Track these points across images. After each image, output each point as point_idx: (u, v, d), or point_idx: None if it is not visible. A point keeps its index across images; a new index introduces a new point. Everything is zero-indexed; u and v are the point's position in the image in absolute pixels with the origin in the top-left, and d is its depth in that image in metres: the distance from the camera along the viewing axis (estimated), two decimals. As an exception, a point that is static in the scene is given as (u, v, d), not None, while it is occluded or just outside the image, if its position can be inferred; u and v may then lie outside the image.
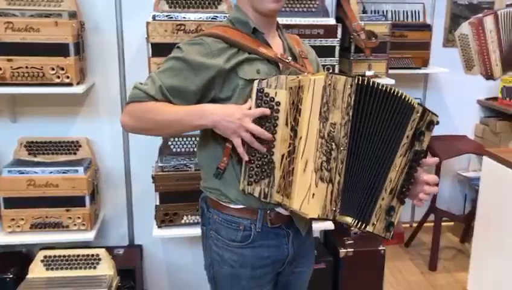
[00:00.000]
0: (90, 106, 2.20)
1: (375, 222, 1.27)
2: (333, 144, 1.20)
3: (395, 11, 3.16)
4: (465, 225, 3.37)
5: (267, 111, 1.26)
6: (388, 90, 1.22)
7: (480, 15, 3.16)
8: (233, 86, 1.31)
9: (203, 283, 2.41)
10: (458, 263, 3.20)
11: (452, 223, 3.64)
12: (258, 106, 1.28)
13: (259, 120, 1.27)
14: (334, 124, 1.19)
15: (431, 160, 1.35)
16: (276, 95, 1.27)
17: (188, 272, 2.44)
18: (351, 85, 1.19)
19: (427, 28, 3.10)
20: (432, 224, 3.24)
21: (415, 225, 3.55)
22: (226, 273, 1.40)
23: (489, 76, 3.28)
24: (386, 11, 3.13)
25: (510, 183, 2.05)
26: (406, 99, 1.24)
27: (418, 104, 1.27)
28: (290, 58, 1.38)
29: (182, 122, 1.29)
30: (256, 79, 1.29)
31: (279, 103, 1.26)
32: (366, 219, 1.26)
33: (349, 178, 1.23)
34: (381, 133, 1.24)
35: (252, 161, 1.30)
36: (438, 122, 1.30)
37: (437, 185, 1.35)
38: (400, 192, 1.29)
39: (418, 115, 1.26)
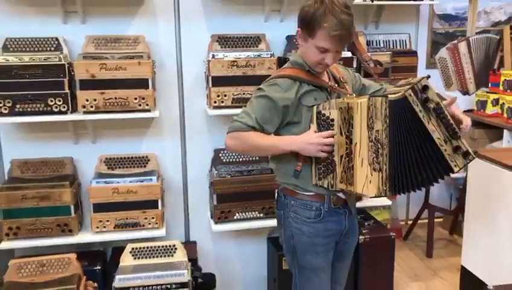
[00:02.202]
0: (155, 127, 2.71)
1: (455, 163, 1.71)
2: (379, 144, 1.69)
3: (386, 40, 3.74)
4: (453, 218, 3.94)
5: (334, 132, 1.77)
6: (398, 96, 1.68)
7: (455, 41, 3.76)
8: (301, 112, 1.84)
9: (244, 270, 2.93)
10: (450, 250, 3.75)
11: (441, 219, 4.20)
12: (318, 124, 1.82)
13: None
14: (378, 131, 1.69)
15: (449, 100, 1.78)
16: (330, 114, 1.79)
17: (234, 262, 2.94)
18: (386, 102, 1.69)
19: (414, 54, 3.68)
20: (425, 221, 3.80)
21: (409, 222, 4.11)
22: (305, 241, 1.90)
23: (465, 92, 3.87)
24: (379, 40, 3.72)
25: (491, 174, 2.63)
26: (400, 94, 1.67)
27: (408, 87, 1.66)
28: (336, 85, 1.94)
29: (277, 148, 1.84)
30: (315, 104, 1.84)
31: (333, 120, 1.77)
32: (450, 168, 1.71)
33: (394, 165, 1.70)
34: (405, 125, 1.70)
35: (319, 163, 1.83)
36: (429, 76, 1.70)
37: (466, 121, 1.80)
38: (451, 135, 1.70)
39: (412, 93, 1.66)
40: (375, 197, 1.76)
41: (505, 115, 3.46)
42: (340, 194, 1.89)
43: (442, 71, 3.85)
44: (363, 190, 1.69)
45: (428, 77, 1.73)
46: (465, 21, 4.09)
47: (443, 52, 3.78)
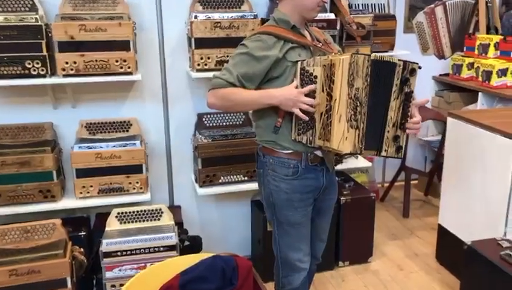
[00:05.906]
0: (136, 91, 2.66)
1: (386, 149, 1.80)
2: (358, 102, 1.71)
3: (365, 4, 3.74)
4: (429, 179, 4.06)
5: (313, 87, 1.77)
6: (387, 59, 1.73)
7: (432, 5, 3.80)
8: (284, 68, 1.84)
9: (228, 233, 2.97)
10: (425, 210, 3.88)
11: (416, 181, 4.33)
12: (301, 80, 1.82)
13: None
14: (358, 89, 1.70)
15: (421, 100, 1.87)
16: (314, 71, 1.78)
17: (219, 225, 2.97)
18: (368, 60, 1.70)
19: (392, 18, 3.69)
20: (401, 183, 3.91)
21: (385, 184, 4.22)
22: (283, 198, 1.94)
23: (441, 56, 3.95)
24: (358, 4, 3.71)
25: (468, 134, 2.70)
26: (392, 60, 1.73)
27: (400, 60, 1.73)
28: (320, 44, 1.94)
29: (257, 102, 1.84)
30: (299, 61, 1.84)
31: (316, 76, 1.77)
32: (380, 149, 1.79)
33: (368, 124, 1.75)
34: (382, 88, 1.75)
35: (300, 119, 1.82)
36: (420, 67, 1.76)
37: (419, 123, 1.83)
38: (400, 124, 1.79)
39: (401, 67, 1.73)
40: (350, 154, 1.79)
41: (480, 78, 3.54)
42: (318, 152, 1.91)
43: (419, 35, 3.90)
44: (339, 146, 1.71)
45: (420, 67, 1.77)
46: (442, -15, 4.10)
47: (420, 16, 3.82)
